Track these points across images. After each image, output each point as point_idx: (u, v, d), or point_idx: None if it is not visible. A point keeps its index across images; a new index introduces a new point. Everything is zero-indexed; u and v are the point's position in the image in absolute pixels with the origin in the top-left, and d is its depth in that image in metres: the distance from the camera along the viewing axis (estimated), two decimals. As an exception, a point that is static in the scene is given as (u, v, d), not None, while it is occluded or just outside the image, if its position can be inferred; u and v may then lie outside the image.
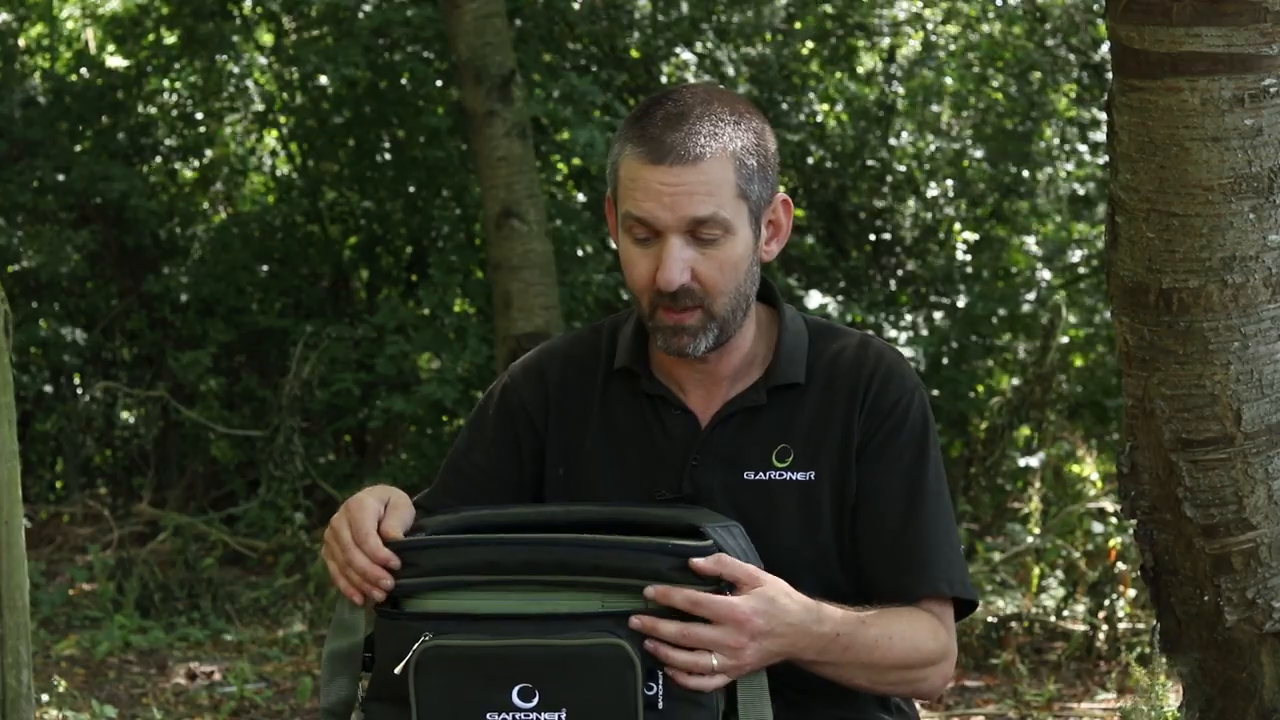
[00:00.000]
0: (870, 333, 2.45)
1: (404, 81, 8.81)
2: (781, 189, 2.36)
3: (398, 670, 2.01)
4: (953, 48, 9.84)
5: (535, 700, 1.99)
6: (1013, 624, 6.24)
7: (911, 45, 9.87)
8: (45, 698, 4.98)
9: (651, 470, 2.32)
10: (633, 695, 2.00)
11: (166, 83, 9.57)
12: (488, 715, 2.00)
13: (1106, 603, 6.15)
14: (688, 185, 2.22)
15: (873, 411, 2.30)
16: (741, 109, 2.29)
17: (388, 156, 9.12)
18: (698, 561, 2.06)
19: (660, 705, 2.01)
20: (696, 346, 2.27)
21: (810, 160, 9.31)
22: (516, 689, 2.00)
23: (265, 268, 9.25)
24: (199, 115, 9.59)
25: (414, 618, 2.05)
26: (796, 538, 2.27)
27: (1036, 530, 6.83)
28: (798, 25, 9.59)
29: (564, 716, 1.99)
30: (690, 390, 2.35)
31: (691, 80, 9.00)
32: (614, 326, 2.43)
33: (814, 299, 8.48)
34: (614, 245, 8.73)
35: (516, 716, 1.99)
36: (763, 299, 2.39)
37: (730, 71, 9.02)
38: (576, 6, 8.73)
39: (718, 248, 2.24)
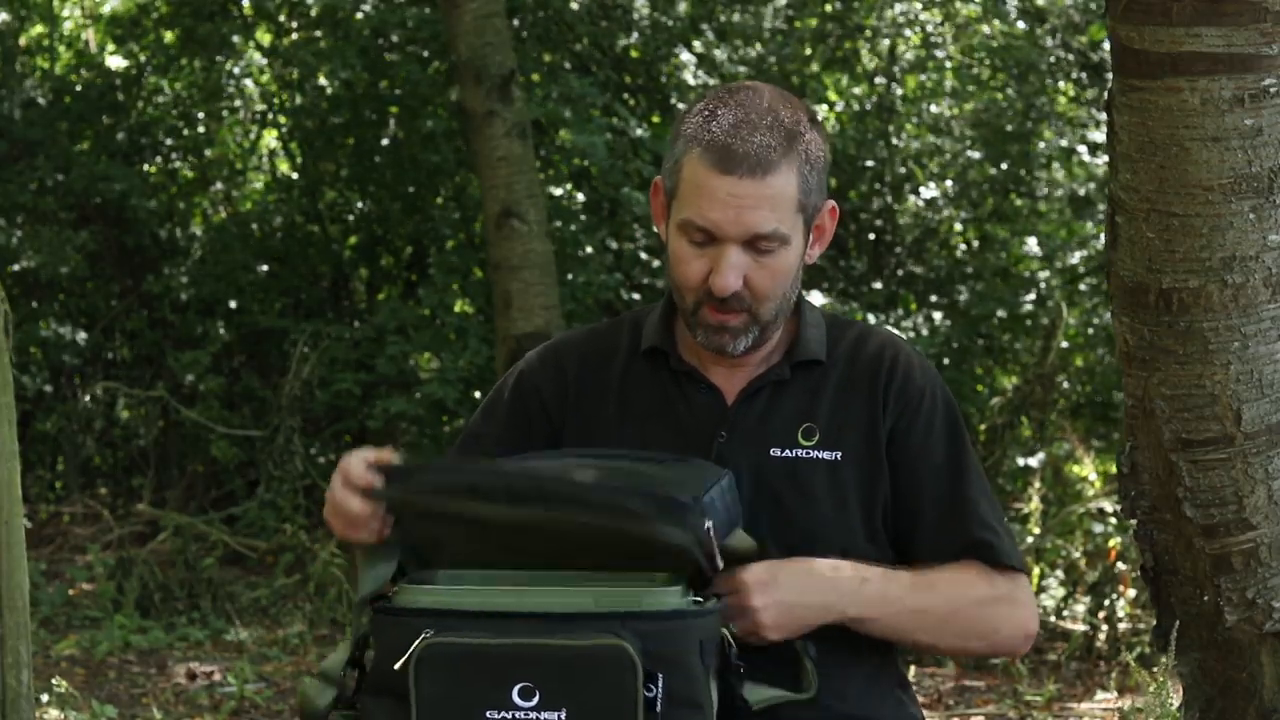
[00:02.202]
0: (883, 328, 2.47)
1: (400, 86, 8.81)
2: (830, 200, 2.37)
3: (398, 666, 2.01)
4: (952, 48, 9.84)
5: (535, 699, 1.99)
6: (1013, 624, 6.23)
7: (911, 45, 9.87)
8: (45, 698, 4.98)
9: (677, 447, 2.32)
10: (633, 696, 1.99)
11: (166, 83, 9.57)
12: (488, 713, 2.00)
13: (1106, 603, 6.15)
14: (754, 199, 2.23)
15: (900, 398, 2.32)
16: (804, 116, 2.31)
17: (387, 157, 9.12)
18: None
19: (659, 708, 2.01)
20: (736, 346, 2.30)
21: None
22: (517, 688, 1.99)
23: (265, 268, 9.25)
24: (199, 115, 9.59)
25: (412, 614, 2.05)
26: (824, 517, 2.29)
27: (1036, 530, 6.83)
28: (798, 25, 9.59)
29: (563, 716, 2.00)
30: (716, 370, 2.36)
31: (690, 81, 9.01)
32: (635, 319, 2.44)
33: (814, 299, 8.47)
34: (613, 245, 8.71)
35: (516, 715, 1.99)
36: None
37: (729, 71, 9.02)
38: (575, 7, 8.73)
39: (773, 257, 2.27)
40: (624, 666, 1.99)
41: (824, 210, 2.34)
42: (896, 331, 8.53)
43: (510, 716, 1.99)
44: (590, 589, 2.06)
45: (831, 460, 2.30)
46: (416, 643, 2.01)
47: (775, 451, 2.30)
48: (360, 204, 9.33)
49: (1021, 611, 2.31)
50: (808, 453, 2.30)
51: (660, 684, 2.01)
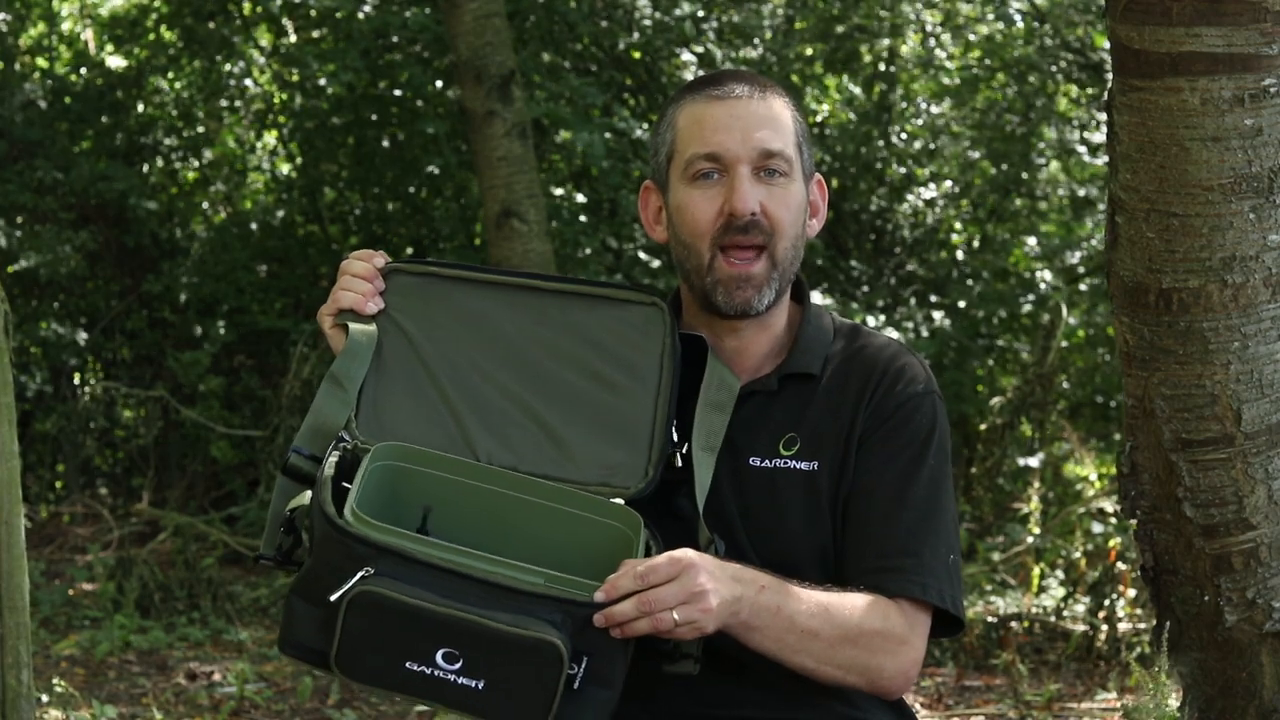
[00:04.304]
0: (903, 343, 2.43)
1: (400, 89, 8.81)
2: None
3: (333, 598, 2.01)
4: (952, 49, 9.84)
5: (458, 665, 2.00)
6: (1013, 624, 6.24)
7: (911, 46, 9.87)
8: (45, 698, 4.98)
9: None
10: (553, 688, 2.00)
11: (166, 83, 9.57)
12: (407, 663, 2.00)
13: (1106, 603, 6.15)
14: (757, 117, 2.27)
15: (879, 408, 2.29)
16: (785, 90, 2.37)
17: (388, 157, 9.13)
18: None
19: (576, 685, 2.03)
20: (760, 299, 2.28)
21: (810, 160, 9.33)
22: (442, 651, 2.00)
23: (265, 268, 9.26)
24: (199, 115, 9.60)
25: (361, 541, 2.03)
26: (799, 528, 2.27)
27: (1036, 530, 6.83)
28: (799, 25, 9.59)
29: (481, 686, 2.00)
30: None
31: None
32: None
33: (814, 299, 8.48)
34: (613, 245, 8.69)
35: (435, 673, 2.00)
36: (794, 297, 2.40)
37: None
38: (575, 6, 8.73)
39: (782, 188, 2.27)
40: (552, 661, 1.99)
41: (814, 182, 2.36)
42: (896, 335, 8.55)
43: (429, 672, 2.00)
44: (544, 571, 2.06)
45: (809, 470, 2.28)
46: (354, 580, 2.00)
47: (754, 461, 2.29)
48: (360, 204, 9.34)
49: (910, 654, 2.22)
50: (786, 463, 2.29)
51: (584, 665, 2.03)
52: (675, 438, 2.26)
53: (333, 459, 2.16)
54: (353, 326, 2.28)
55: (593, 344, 2.29)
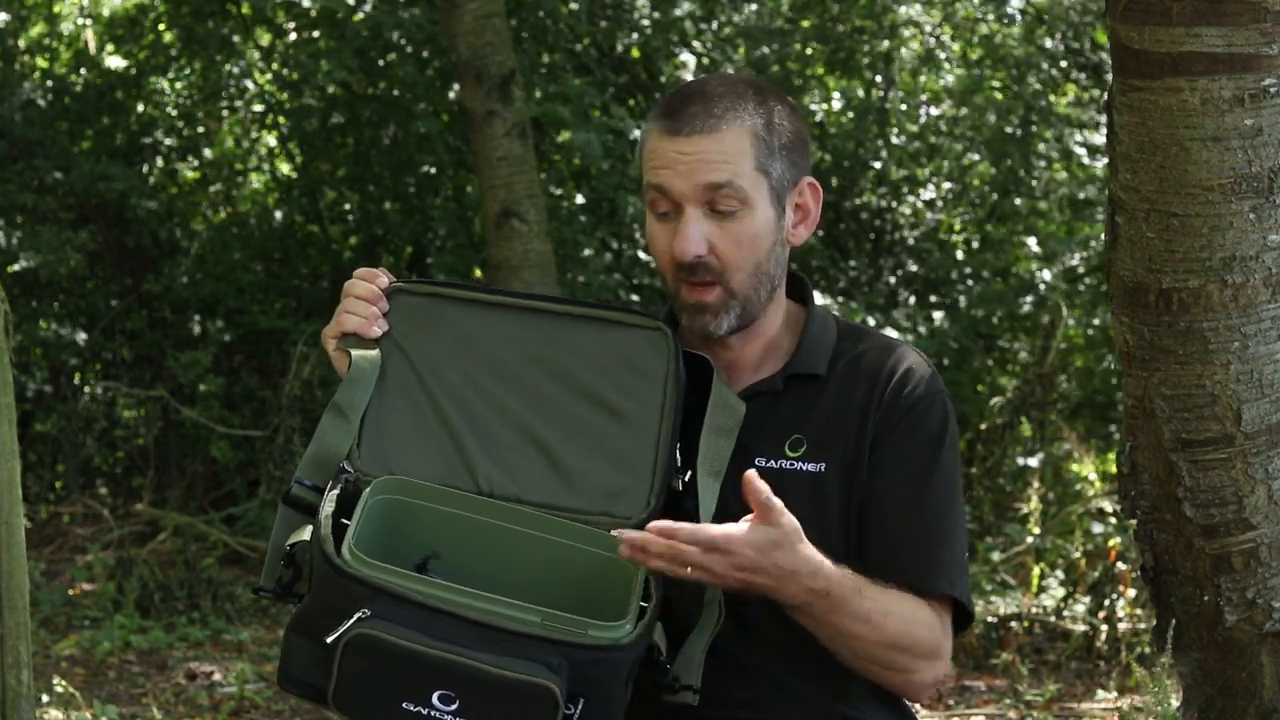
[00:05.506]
0: (904, 341, 2.43)
1: (396, 89, 8.81)
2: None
3: (329, 640, 2.02)
4: (953, 48, 9.84)
5: (454, 706, 2.00)
6: (1013, 624, 6.24)
7: (911, 47, 9.87)
8: (45, 698, 4.98)
9: None
10: None
11: (166, 83, 9.57)
12: (404, 704, 2.01)
13: (1106, 603, 6.16)
14: (703, 154, 2.24)
15: (890, 409, 2.29)
16: (769, 93, 2.32)
17: (386, 157, 9.13)
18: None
19: None
20: (718, 325, 2.27)
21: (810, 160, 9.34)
22: (438, 693, 2.00)
23: (264, 268, 9.26)
24: (199, 115, 9.60)
25: (358, 582, 2.03)
26: (805, 529, 2.26)
27: (1036, 530, 6.83)
28: (804, 24, 9.59)
29: None
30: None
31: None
32: None
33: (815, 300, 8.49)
34: (613, 245, 8.69)
35: (432, 713, 2.00)
36: (797, 297, 2.39)
37: (730, 71, 9.02)
38: (575, 7, 8.73)
39: (736, 221, 2.25)
40: (547, 705, 1.99)
41: (800, 186, 2.32)
42: (896, 335, 8.55)
43: (425, 713, 2.00)
44: (541, 610, 2.05)
45: (815, 472, 2.28)
46: (350, 622, 2.01)
47: (760, 461, 2.28)
48: (359, 204, 9.34)
49: (945, 661, 2.26)
50: (792, 464, 2.28)
51: (580, 706, 2.02)
52: (680, 462, 2.25)
53: (334, 493, 2.16)
54: (355, 353, 2.27)
55: (597, 369, 2.28)
